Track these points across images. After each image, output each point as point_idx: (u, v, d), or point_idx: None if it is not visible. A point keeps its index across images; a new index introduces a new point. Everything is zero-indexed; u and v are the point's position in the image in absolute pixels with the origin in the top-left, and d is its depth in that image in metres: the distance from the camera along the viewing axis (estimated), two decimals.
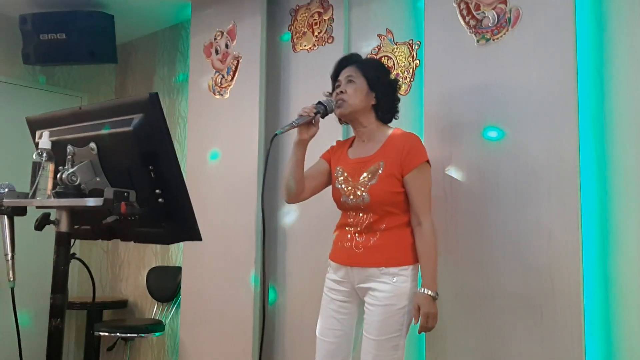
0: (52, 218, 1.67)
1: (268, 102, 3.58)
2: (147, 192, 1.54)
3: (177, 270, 4.11)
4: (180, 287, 3.91)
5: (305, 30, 3.46)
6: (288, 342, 3.36)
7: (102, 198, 1.47)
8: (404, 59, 3.02)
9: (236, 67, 3.69)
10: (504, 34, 2.54)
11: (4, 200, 1.75)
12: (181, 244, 3.97)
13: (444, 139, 2.68)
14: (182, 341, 3.82)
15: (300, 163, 2.36)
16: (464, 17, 2.67)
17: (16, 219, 1.79)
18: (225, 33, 3.80)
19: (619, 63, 2.34)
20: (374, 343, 2.21)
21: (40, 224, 1.63)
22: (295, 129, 2.32)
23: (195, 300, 3.75)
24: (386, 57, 3.08)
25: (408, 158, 2.26)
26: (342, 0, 3.29)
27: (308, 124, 2.30)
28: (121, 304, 4.68)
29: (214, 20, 3.87)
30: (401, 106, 2.93)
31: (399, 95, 2.47)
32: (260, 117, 3.51)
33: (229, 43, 3.77)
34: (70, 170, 1.61)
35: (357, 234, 2.31)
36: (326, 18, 3.36)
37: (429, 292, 2.19)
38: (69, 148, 1.67)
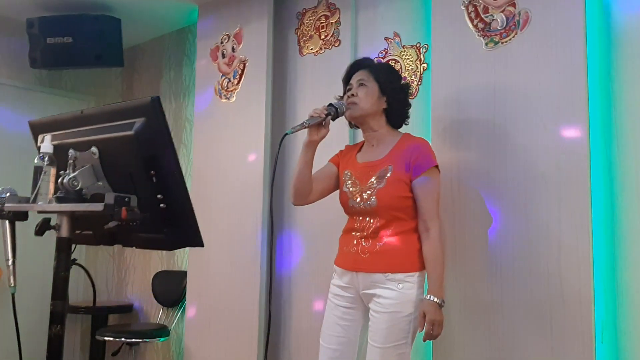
0: (53, 223, 1.65)
1: (274, 105, 3.56)
2: (148, 197, 1.51)
3: (183, 274, 4.08)
4: (185, 292, 3.89)
5: (312, 33, 3.44)
6: (294, 347, 3.33)
7: (103, 203, 1.45)
8: (411, 63, 2.99)
9: (242, 71, 3.67)
10: (513, 37, 2.51)
11: (5, 204, 1.73)
12: (187, 248, 3.95)
13: (452, 143, 2.65)
14: (187, 346, 3.80)
15: (309, 164, 2.34)
16: (472, 20, 2.64)
17: (19, 224, 1.77)
18: (231, 36, 3.78)
19: (630, 66, 2.30)
20: (379, 351, 2.18)
21: (41, 229, 1.60)
22: (305, 130, 2.30)
23: (201, 305, 3.72)
24: (393, 61, 3.05)
25: (417, 163, 2.24)
26: (349, 4, 3.26)
27: (318, 125, 2.29)
28: (126, 309, 4.66)
29: (221, 23, 3.86)
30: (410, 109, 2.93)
31: (410, 100, 2.46)
32: (266, 121, 3.49)
33: (235, 46, 3.75)
34: (72, 174, 1.59)
35: (363, 239, 2.28)
36: (333, 21, 3.33)
37: (435, 299, 2.16)
38: (71, 152, 1.64)
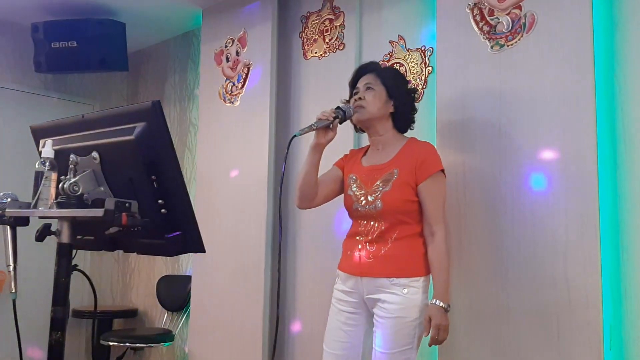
0: (54, 228, 1.64)
1: (279, 109, 3.54)
2: (149, 203, 1.50)
3: (187, 279, 4.07)
4: (190, 297, 3.88)
5: (316, 37, 3.42)
6: (298, 353, 3.30)
7: (103, 209, 1.43)
8: (416, 66, 2.97)
9: (247, 75, 3.66)
10: (519, 39, 2.48)
11: (6, 210, 1.72)
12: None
13: (457, 147, 2.63)
14: (191, 351, 3.78)
15: (315, 167, 2.34)
16: (477, 23, 2.62)
17: (22, 229, 1.76)
18: (236, 40, 3.77)
19: (638, 68, 2.27)
20: (385, 356, 2.16)
21: (41, 235, 1.59)
22: (311, 133, 2.29)
23: (205, 310, 3.71)
24: (398, 64, 3.03)
25: (423, 166, 2.24)
26: (353, 7, 3.25)
27: (326, 128, 2.28)
28: (131, 313, 4.65)
29: (225, 27, 3.85)
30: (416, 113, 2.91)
31: (416, 105, 2.46)
32: (270, 125, 3.48)
33: (239, 50, 3.74)
34: (72, 179, 1.58)
35: (367, 243, 2.27)
36: (337, 25, 3.32)
37: (441, 304, 2.15)
38: (72, 157, 1.63)
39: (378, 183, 2.27)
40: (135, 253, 1.65)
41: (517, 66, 2.48)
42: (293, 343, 3.34)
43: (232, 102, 3.74)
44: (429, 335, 2.14)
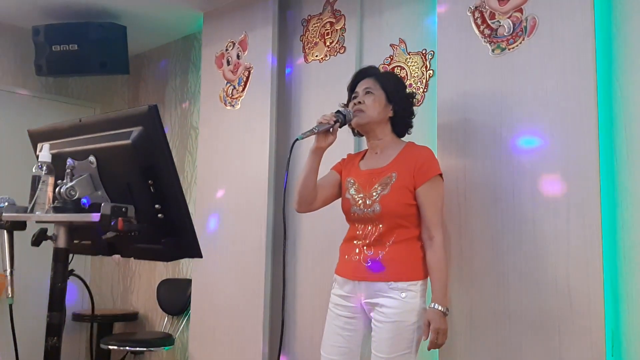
0: (51, 233, 1.62)
1: (279, 113, 3.53)
2: (146, 208, 1.49)
3: (188, 282, 4.06)
4: (190, 300, 3.86)
5: (317, 40, 3.41)
6: (299, 358, 3.29)
7: (99, 213, 1.42)
8: (417, 69, 2.96)
9: (247, 78, 3.65)
10: (520, 43, 2.47)
11: (3, 214, 1.71)
12: None
13: (458, 151, 2.61)
14: (191, 355, 3.77)
15: (315, 171, 2.34)
16: (478, 26, 2.60)
17: (20, 233, 1.75)
18: (236, 43, 3.76)
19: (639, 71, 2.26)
20: None
21: (37, 240, 1.58)
22: (313, 137, 2.29)
23: (205, 314, 3.69)
24: (399, 68, 3.02)
25: (422, 170, 2.24)
26: (354, 10, 3.24)
27: (326, 132, 2.28)
28: (132, 317, 4.64)
29: (226, 30, 3.85)
30: (415, 117, 2.89)
31: (414, 109, 2.46)
32: (271, 128, 3.47)
33: (240, 53, 3.73)
34: (69, 184, 1.57)
35: (365, 247, 2.26)
36: (338, 28, 3.31)
37: (440, 308, 2.15)
38: (69, 161, 1.63)
39: (376, 186, 2.27)
40: (132, 258, 1.64)
41: (519, 70, 2.46)
42: (294, 347, 3.33)
43: (233, 106, 3.73)
44: (428, 339, 2.14)
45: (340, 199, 2.45)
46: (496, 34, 2.54)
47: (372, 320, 2.22)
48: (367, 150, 2.46)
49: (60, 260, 1.56)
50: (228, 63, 3.80)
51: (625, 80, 2.29)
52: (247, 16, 3.72)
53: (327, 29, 3.37)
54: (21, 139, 4.30)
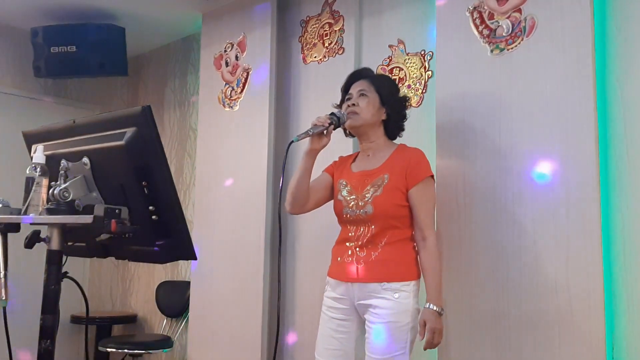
0: (44, 235, 1.61)
1: (278, 114, 3.52)
2: (140, 209, 1.48)
3: (187, 285, 4.04)
4: (189, 303, 3.84)
5: (316, 41, 3.40)
6: (298, 357, 3.27)
7: (92, 215, 1.41)
8: (415, 70, 2.94)
9: (246, 79, 3.64)
10: (519, 43, 2.45)
11: None
12: None
13: (457, 151, 2.60)
14: (190, 358, 3.75)
15: (309, 173, 2.34)
16: (477, 27, 2.59)
17: (14, 236, 1.73)
18: (235, 45, 3.75)
19: (639, 72, 2.24)
20: None
21: (30, 242, 1.57)
22: (307, 139, 2.29)
23: (204, 316, 3.68)
24: (398, 68, 3.00)
25: (414, 172, 2.25)
26: (353, 11, 3.22)
27: (320, 134, 2.28)
28: (130, 319, 4.62)
29: (225, 31, 3.83)
30: (413, 118, 2.87)
31: (407, 112, 2.46)
32: (269, 130, 3.46)
33: (239, 55, 3.72)
34: (63, 185, 1.56)
35: (357, 249, 2.27)
36: (337, 29, 3.29)
37: (435, 308, 2.15)
38: (63, 163, 1.61)
39: (369, 188, 2.28)
40: (126, 260, 1.63)
41: (518, 70, 2.45)
42: (292, 350, 3.31)
43: (232, 107, 3.72)
44: (425, 339, 2.14)
45: (332, 201, 2.44)
46: (495, 35, 2.53)
47: (366, 321, 2.22)
48: (358, 152, 2.47)
49: (54, 262, 1.54)
50: (227, 64, 3.79)
51: (625, 80, 2.27)
52: (245, 17, 3.70)
53: (325, 30, 3.36)
54: (20, 141, 4.30)
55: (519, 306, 2.34)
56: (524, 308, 2.33)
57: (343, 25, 3.26)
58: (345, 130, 2.44)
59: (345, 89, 2.44)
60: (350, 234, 2.30)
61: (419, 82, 2.92)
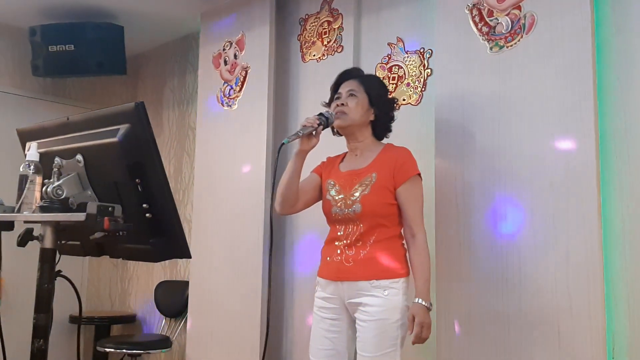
0: (37, 233, 1.59)
1: (276, 113, 3.50)
2: (134, 207, 1.46)
3: (186, 284, 4.02)
4: (188, 302, 3.83)
5: (315, 39, 3.38)
6: (297, 358, 3.26)
7: (85, 213, 1.39)
8: (415, 68, 2.92)
9: (244, 78, 3.62)
10: (519, 40, 2.43)
11: None
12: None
13: (456, 149, 2.58)
14: (188, 358, 3.73)
15: (298, 174, 2.36)
16: (476, 24, 2.57)
17: (9, 234, 1.72)
18: (234, 43, 3.73)
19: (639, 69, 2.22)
20: None
21: (23, 240, 1.55)
22: (297, 140, 2.31)
23: (202, 316, 3.66)
24: (397, 67, 2.99)
25: (401, 171, 2.27)
26: (352, 9, 3.21)
27: (309, 135, 2.30)
28: (129, 319, 4.61)
29: (223, 30, 3.82)
30: (412, 116, 2.86)
31: (394, 114, 2.46)
32: (268, 129, 3.44)
33: (237, 53, 3.70)
34: (56, 183, 1.54)
35: (346, 248, 2.28)
36: (336, 27, 3.28)
37: (424, 303, 2.17)
38: (57, 160, 1.60)
39: (357, 187, 2.30)
40: (124, 260, 1.61)
41: (517, 67, 2.43)
42: (291, 349, 3.29)
43: (230, 106, 3.70)
44: (413, 333, 2.15)
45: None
46: (494, 32, 2.51)
47: (356, 320, 2.23)
48: (346, 152, 2.48)
49: (47, 260, 1.53)
50: (225, 63, 3.77)
51: (625, 77, 2.25)
52: (244, 16, 3.69)
53: (324, 28, 3.34)
54: (17, 140, 4.29)
55: (519, 306, 2.32)
56: (524, 308, 2.31)
57: (342, 23, 3.25)
58: (333, 129, 2.45)
59: (335, 88, 2.46)
60: (339, 233, 2.32)
61: (418, 80, 2.91)
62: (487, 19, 2.54)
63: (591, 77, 2.22)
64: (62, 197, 1.54)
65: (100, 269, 4.92)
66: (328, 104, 2.46)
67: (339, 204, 2.31)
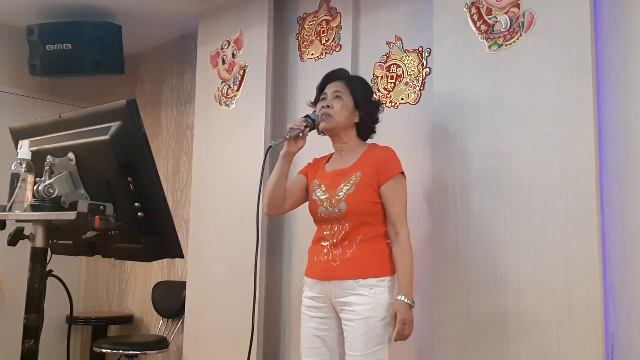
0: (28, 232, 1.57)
1: (274, 112, 3.48)
2: (126, 206, 1.44)
3: (183, 285, 4.00)
4: (185, 303, 3.80)
5: (313, 38, 3.36)
6: (295, 358, 3.24)
7: (76, 211, 1.37)
8: (413, 67, 2.90)
9: (242, 77, 3.60)
10: (517, 39, 2.41)
11: None
12: (186, 257, 3.87)
13: (455, 149, 2.56)
14: (185, 359, 3.71)
15: (285, 175, 2.41)
16: (474, 22, 2.55)
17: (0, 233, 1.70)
18: (232, 42, 3.71)
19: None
20: (359, 359, 2.18)
21: (13, 239, 1.53)
22: (284, 142, 2.35)
23: (200, 317, 3.64)
24: (395, 65, 2.96)
25: (385, 169, 2.30)
26: (350, 8, 3.19)
27: (296, 137, 2.34)
28: (127, 319, 4.59)
29: (221, 29, 3.80)
30: (411, 115, 2.84)
31: (379, 116, 2.49)
32: (266, 128, 3.42)
33: (235, 52, 3.68)
34: (48, 181, 1.52)
35: (333, 247, 2.31)
36: (334, 26, 3.26)
37: (406, 300, 2.19)
38: (48, 158, 1.58)
39: (342, 186, 2.33)
40: (113, 258, 1.59)
41: (516, 66, 2.41)
42: (289, 349, 3.27)
43: (228, 105, 3.68)
44: (395, 330, 2.16)
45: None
46: (493, 30, 2.49)
47: (342, 320, 2.25)
48: (332, 153, 2.51)
49: (38, 260, 1.51)
50: (223, 62, 3.75)
51: (625, 75, 2.23)
52: (242, 15, 3.67)
53: (322, 27, 3.32)
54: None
55: (518, 307, 2.30)
56: (523, 309, 2.29)
57: (340, 22, 3.23)
58: (318, 130, 2.47)
59: (321, 89, 2.48)
60: (325, 233, 2.35)
61: (416, 79, 2.88)
62: (485, 17, 2.52)
63: (590, 75, 2.20)
64: (54, 195, 1.52)
65: (98, 269, 4.90)
66: (314, 104, 2.49)
67: (324, 204, 2.34)
